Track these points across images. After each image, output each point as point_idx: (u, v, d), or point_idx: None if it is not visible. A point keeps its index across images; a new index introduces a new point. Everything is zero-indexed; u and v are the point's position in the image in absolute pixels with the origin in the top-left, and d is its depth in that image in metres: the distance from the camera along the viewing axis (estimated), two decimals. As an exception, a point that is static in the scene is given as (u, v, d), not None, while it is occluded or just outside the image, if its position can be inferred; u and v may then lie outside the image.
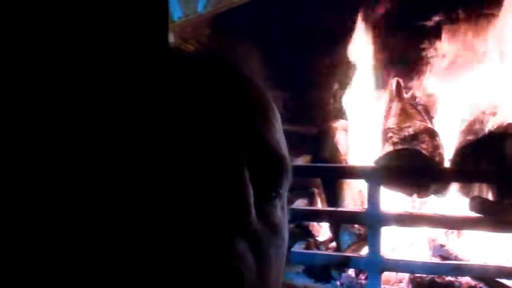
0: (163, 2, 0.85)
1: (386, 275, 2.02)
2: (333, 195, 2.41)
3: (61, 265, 0.56)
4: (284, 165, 0.56)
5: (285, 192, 0.58)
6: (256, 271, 0.51)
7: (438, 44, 2.40)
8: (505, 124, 2.02)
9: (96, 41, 0.75)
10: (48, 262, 0.61)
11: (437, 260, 2.02)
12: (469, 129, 2.09)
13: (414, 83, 2.43)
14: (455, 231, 2.08)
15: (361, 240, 2.23)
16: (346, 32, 2.45)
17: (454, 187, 2.04)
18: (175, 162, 0.50)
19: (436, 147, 2.10)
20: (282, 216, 0.57)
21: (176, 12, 2.78)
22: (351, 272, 2.16)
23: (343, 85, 2.52)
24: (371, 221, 1.98)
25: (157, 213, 0.50)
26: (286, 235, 0.58)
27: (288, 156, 0.58)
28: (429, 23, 2.43)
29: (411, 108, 2.27)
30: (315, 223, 2.46)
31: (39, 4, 0.66)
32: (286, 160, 0.56)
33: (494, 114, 2.09)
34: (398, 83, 2.33)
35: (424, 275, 1.97)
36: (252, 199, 0.49)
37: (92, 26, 0.77)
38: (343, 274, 2.17)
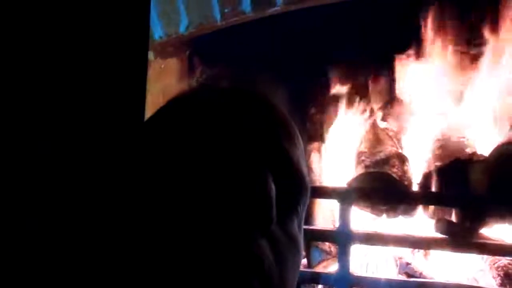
0: (143, 21, 0.92)
1: (354, 291, 2.10)
2: (306, 214, 2.47)
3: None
4: (303, 184, 0.60)
5: (302, 211, 0.61)
6: (275, 267, 0.54)
7: (411, 74, 2.49)
8: (470, 152, 2.13)
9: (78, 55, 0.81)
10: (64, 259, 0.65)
11: (403, 277, 2.11)
12: (437, 156, 2.19)
13: (387, 110, 2.53)
14: (421, 250, 2.16)
15: (331, 257, 2.29)
16: (324, 57, 2.53)
17: (421, 209, 2.13)
18: (213, 168, 0.54)
19: (406, 171, 2.21)
20: (299, 232, 0.60)
21: (157, 31, 2.80)
22: None
23: (319, 109, 2.59)
24: (341, 239, 2.05)
25: (194, 210, 0.53)
26: (301, 249, 0.60)
27: (308, 177, 0.62)
28: (404, 53, 2.53)
29: (383, 134, 2.37)
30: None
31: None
32: (306, 179, 0.61)
33: (461, 142, 2.20)
34: (371, 110, 2.44)
35: (390, 292, 2.05)
36: (274, 199, 0.53)
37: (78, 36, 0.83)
38: (313, 291, 2.23)
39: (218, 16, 2.67)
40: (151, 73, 2.72)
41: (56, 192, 0.75)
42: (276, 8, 2.53)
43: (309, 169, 2.53)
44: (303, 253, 0.63)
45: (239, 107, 0.60)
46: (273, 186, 0.54)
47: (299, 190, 0.60)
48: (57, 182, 0.76)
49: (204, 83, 0.67)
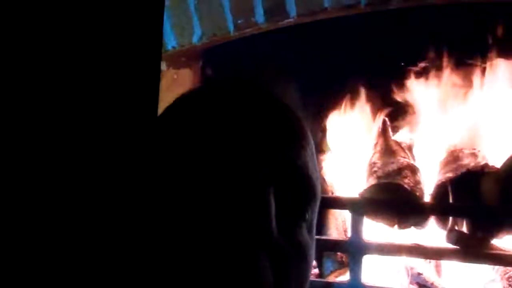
0: (156, 31, 0.93)
1: (365, 300, 2.10)
2: (318, 224, 2.47)
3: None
4: (312, 189, 0.58)
5: (313, 216, 0.60)
6: (274, 284, 0.52)
7: (424, 86, 2.51)
8: (482, 163, 2.13)
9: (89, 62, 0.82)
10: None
11: (414, 287, 2.12)
12: (449, 167, 2.19)
13: (400, 122, 2.54)
14: (433, 261, 2.16)
15: (343, 267, 2.29)
16: (338, 69, 2.54)
17: (432, 219, 2.13)
18: (209, 179, 0.53)
19: (417, 183, 2.21)
20: (308, 238, 0.59)
21: (170, 42, 2.82)
22: (332, 297, 2.23)
23: (332, 120, 2.60)
24: (353, 250, 2.07)
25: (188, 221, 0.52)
26: (310, 258, 0.59)
27: (319, 181, 0.60)
28: (416, 68, 2.55)
29: (395, 145, 2.38)
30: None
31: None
32: (314, 184, 0.59)
33: (473, 154, 2.20)
34: (384, 122, 2.45)
35: (402, 301, 2.06)
36: (272, 213, 0.52)
37: (89, 46, 0.85)
38: (325, 301, 2.24)
39: (231, 27, 2.69)
40: (164, 83, 2.74)
41: (61, 192, 0.75)
42: (289, 20, 2.55)
43: (322, 178, 2.54)
44: (313, 260, 0.61)
45: (246, 108, 0.59)
46: (272, 201, 0.53)
47: (307, 196, 0.59)
48: (63, 187, 0.75)
49: (212, 80, 0.66)
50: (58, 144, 0.77)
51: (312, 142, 0.62)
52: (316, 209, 0.63)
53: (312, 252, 0.60)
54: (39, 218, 0.72)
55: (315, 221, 0.63)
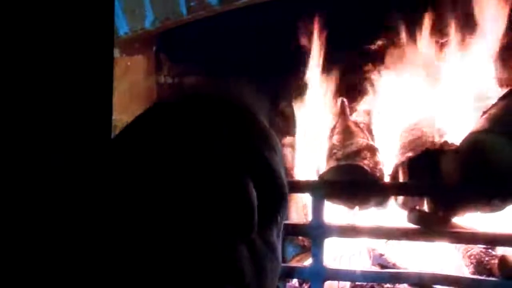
0: (108, 16, 0.90)
1: (328, 284, 2.08)
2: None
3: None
4: (283, 192, 0.61)
5: (281, 220, 0.62)
6: (254, 278, 0.54)
7: (381, 67, 2.50)
8: (440, 142, 2.13)
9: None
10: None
11: (376, 268, 2.11)
12: (408, 146, 2.19)
13: (358, 103, 2.53)
14: (394, 241, 2.15)
15: (305, 251, 2.29)
16: (294, 52, 2.52)
17: (393, 200, 2.12)
18: (196, 177, 0.54)
19: (377, 163, 2.20)
20: (277, 241, 0.61)
21: (122, 27, 2.78)
22: (295, 281, 2.21)
23: (289, 103, 2.58)
24: (315, 233, 2.05)
25: (176, 216, 0.52)
26: (279, 257, 0.62)
27: (286, 185, 0.63)
28: (373, 47, 2.54)
29: (354, 126, 2.36)
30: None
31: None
32: (285, 188, 0.62)
33: (431, 133, 2.20)
34: (342, 102, 2.42)
35: (365, 283, 2.05)
36: (256, 207, 0.54)
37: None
38: (288, 284, 2.22)
39: (184, 10, 2.65)
40: (117, 70, 2.69)
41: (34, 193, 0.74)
42: (243, 1, 2.51)
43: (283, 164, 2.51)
44: (281, 261, 0.63)
45: (221, 116, 0.60)
46: (255, 194, 0.54)
47: (279, 199, 0.61)
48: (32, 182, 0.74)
49: (184, 90, 0.67)
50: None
51: (280, 148, 0.65)
52: (285, 215, 0.65)
53: (280, 254, 0.62)
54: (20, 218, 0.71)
55: (282, 225, 0.64)
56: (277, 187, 0.60)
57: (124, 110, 2.75)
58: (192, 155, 0.55)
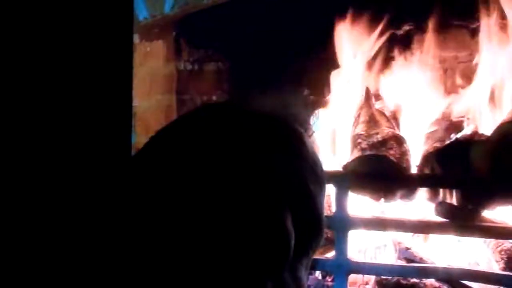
0: (127, 2, 0.87)
1: (352, 277, 2.05)
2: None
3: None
4: (319, 228, 0.59)
5: (312, 254, 0.60)
6: None
7: (408, 54, 2.44)
8: (471, 132, 2.07)
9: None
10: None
11: (402, 262, 2.06)
12: (436, 137, 2.13)
13: (384, 91, 2.47)
14: (421, 235, 2.11)
15: (329, 243, 2.25)
16: (317, 39, 2.47)
17: (420, 192, 2.07)
18: (233, 206, 0.51)
19: (404, 153, 2.14)
20: (305, 274, 0.59)
21: (142, 12, 2.75)
22: (318, 274, 2.18)
23: (313, 91, 2.54)
24: (338, 225, 2.01)
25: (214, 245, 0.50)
26: None
27: (324, 221, 0.60)
28: (399, 32, 2.48)
29: (379, 115, 2.31)
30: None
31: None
32: (323, 225, 0.59)
33: (460, 122, 2.14)
34: (367, 91, 2.37)
35: (390, 277, 2.00)
36: (292, 248, 0.52)
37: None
38: (310, 277, 2.18)
39: (203, -5, 2.63)
40: (137, 56, 2.66)
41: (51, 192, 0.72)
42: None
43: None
44: None
45: (269, 139, 0.57)
46: (292, 232, 0.52)
47: (314, 234, 0.59)
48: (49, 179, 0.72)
49: (227, 104, 0.64)
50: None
51: (325, 183, 0.62)
52: (317, 247, 0.62)
53: (306, 286, 0.60)
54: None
55: (312, 257, 0.62)
56: (315, 223, 0.58)
57: (144, 97, 2.73)
58: (233, 180, 0.52)
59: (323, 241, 0.62)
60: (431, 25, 2.38)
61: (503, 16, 2.22)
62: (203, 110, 0.64)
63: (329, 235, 2.23)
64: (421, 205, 2.10)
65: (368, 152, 2.13)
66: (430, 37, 2.38)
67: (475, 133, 2.03)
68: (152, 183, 0.54)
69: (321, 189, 0.60)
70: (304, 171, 0.57)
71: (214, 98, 2.81)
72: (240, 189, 0.53)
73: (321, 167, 0.61)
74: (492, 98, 2.17)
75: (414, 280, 1.98)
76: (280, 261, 0.51)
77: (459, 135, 2.06)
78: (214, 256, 0.50)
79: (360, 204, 2.17)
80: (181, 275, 0.50)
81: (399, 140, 2.18)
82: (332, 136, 2.39)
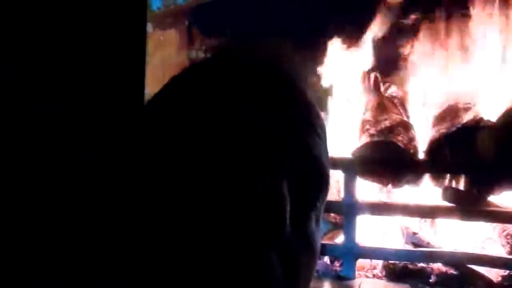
0: None
1: (360, 261, 2.08)
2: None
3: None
4: (324, 178, 0.55)
5: (322, 207, 0.57)
6: (283, 281, 0.50)
7: (415, 41, 2.44)
8: (477, 118, 2.08)
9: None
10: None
11: (410, 247, 2.08)
12: (443, 123, 2.14)
13: (391, 78, 2.48)
14: (428, 220, 2.12)
15: (337, 228, 2.27)
16: (328, 24, 2.47)
17: (427, 177, 2.09)
18: (224, 170, 0.49)
19: (411, 139, 2.16)
20: (315, 228, 0.55)
21: (155, 2, 2.78)
22: (326, 259, 2.20)
23: (322, 78, 2.55)
24: (347, 210, 2.03)
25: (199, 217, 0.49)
26: (317, 247, 0.57)
27: (329, 170, 0.58)
28: (407, 21, 2.48)
29: (387, 102, 2.32)
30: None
31: None
32: (326, 174, 0.55)
33: (466, 108, 2.15)
34: (375, 78, 2.38)
35: (397, 262, 2.02)
36: (287, 210, 0.49)
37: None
38: (319, 262, 2.21)
39: (217, -16, 2.64)
40: (150, 45, 2.68)
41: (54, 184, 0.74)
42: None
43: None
44: (319, 250, 0.58)
45: (261, 87, 0.54)
46: (287, 196, 0.49)
47: (319, 186, 0.54)
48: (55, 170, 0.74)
49: (224, 48, 0.60)
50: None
51: (326, 130, 0.59)
52: (326, 199, 0.60)
53: (318, 243, 0.54)
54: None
55: (322, 211, 0.60)
56: (317, 176, 0.54)
57: (157, 85, 2.75)
58: (222, 140, 0.50)
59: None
60: (439, 12, 2.38)
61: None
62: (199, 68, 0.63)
63: (337, 220, 2.26)
64: (428, 190, 2.12)
65: (376, 138, 2.15)
66: (437, 24, 2.38)
67: (481, 119, 2.04)
68: (150, 145, 0.54)
69: (320, 138, 0.55)
70: (296, 124, 0.54)
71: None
72: (230, 157, 0.50)
73: (318, 115, 0.55)
74: (497, 84, 2.17)
75: (421, 264, 2.00)
76: (276, 227, 0.49)
77: (465, 121, 2.06)
78: (207, 226, 0.49)
79: (368, 189, 2.19)
80: (176, 245, 0.50)
81: (406, 126, 2.20)
82: (340, 122, 2.40)
